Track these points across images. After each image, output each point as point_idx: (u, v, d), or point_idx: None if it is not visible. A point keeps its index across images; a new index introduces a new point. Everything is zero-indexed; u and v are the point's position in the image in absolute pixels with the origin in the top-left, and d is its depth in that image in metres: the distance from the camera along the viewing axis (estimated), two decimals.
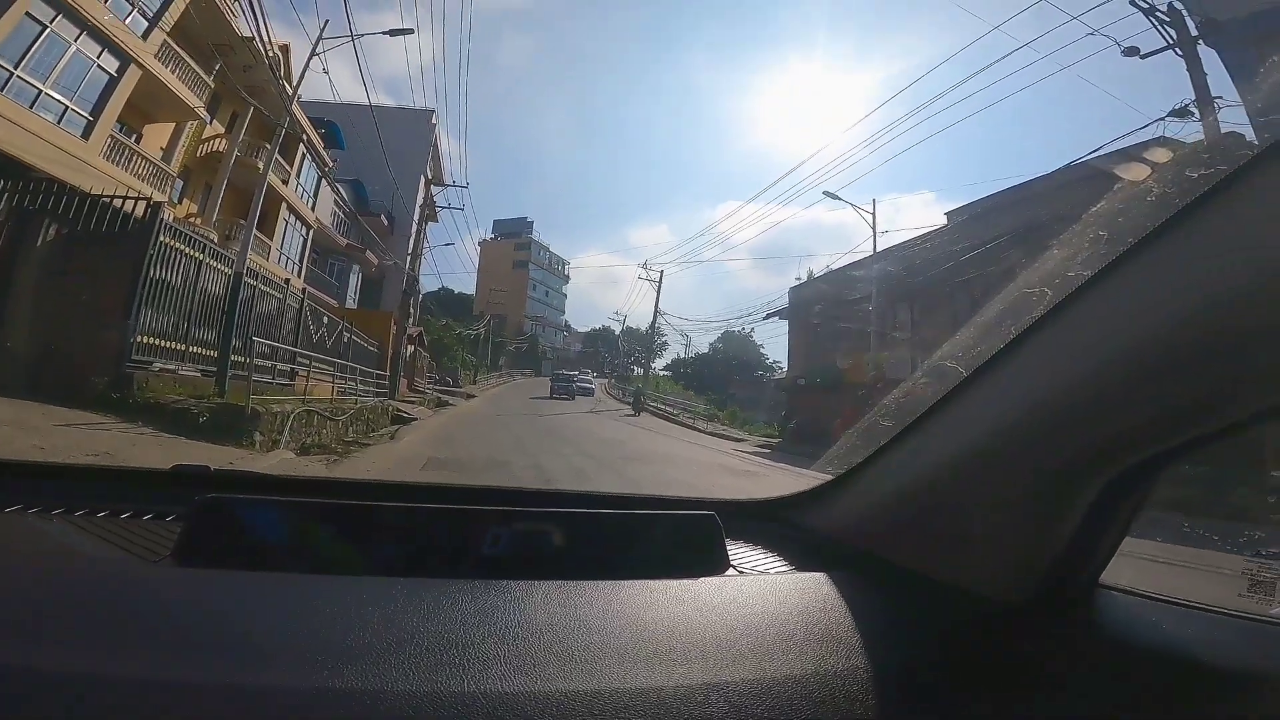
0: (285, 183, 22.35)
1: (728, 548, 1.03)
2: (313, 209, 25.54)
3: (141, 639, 0.67)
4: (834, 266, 27.37)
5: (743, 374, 52.01)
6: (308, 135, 21.02)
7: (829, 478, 1.18)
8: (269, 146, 14.86)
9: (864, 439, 1.15)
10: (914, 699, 0.74)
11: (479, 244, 64.55)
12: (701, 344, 68.90)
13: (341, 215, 29.92)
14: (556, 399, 33.09)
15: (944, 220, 21.70)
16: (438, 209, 29.85)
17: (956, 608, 0.86)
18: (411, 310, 25.98)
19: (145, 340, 8.32)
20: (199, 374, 9.42)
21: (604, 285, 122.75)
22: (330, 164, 25.69)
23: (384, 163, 21.58)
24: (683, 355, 62.73)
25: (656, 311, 43.08)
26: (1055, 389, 0.75)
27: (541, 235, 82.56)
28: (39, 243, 7.95)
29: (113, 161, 14.24)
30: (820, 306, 25.79)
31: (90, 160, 13.07)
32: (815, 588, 0.93)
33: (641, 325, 55.34)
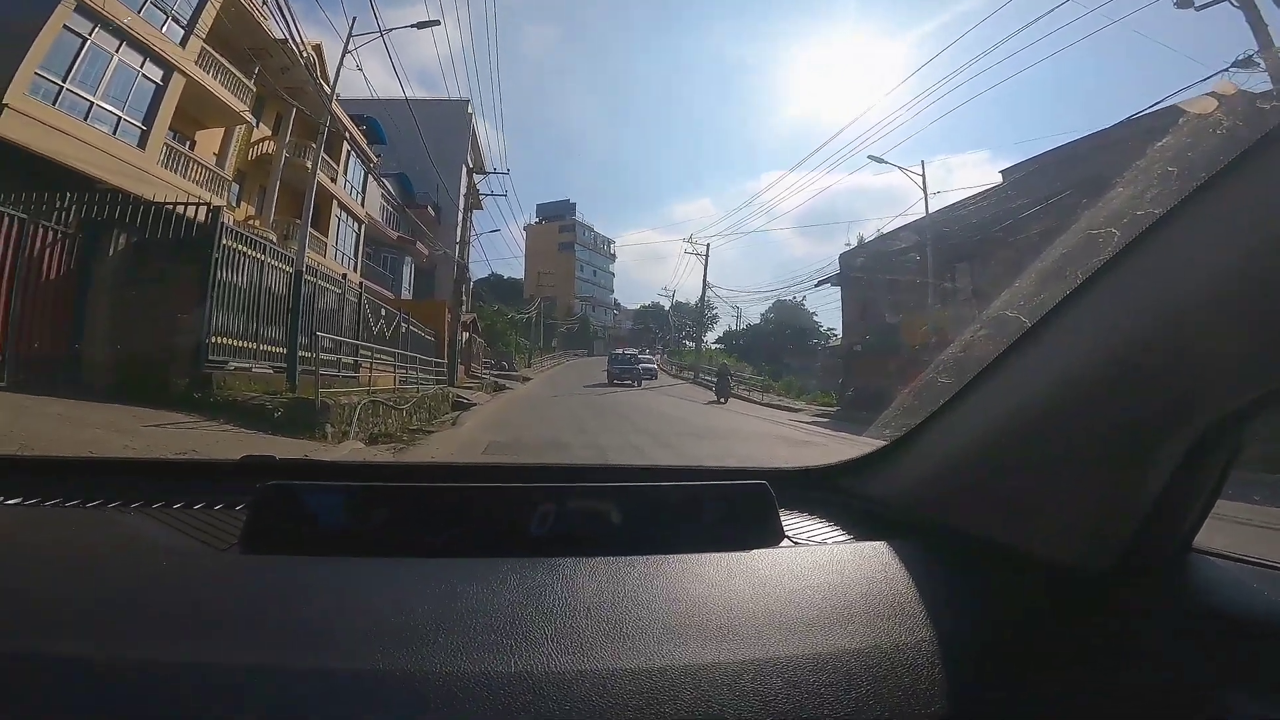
0: (334, 180, 22.96)
1: (782, 518, 1.01)
2: (362, 204, 26.19)
3: (206, 624, 0.70)
4: (885, 230, 26.57)
5: (796, 343, 51.19)
6: (350, 132, 21.49)
7: (885, 443, 1.15)
8: (314, 145, 15.29)
9: (921, 399, 1.11)
10: (986, 672, 0.71)
11: (524, 228, 65.14)
12: (752, 315, 67.94)
13: (390, 209, 30.58)
14: (617, 386, 28.37)
15: (999, 179, 20.84)
16: (481, 196, 30.19)
17: (1030, 576, 0.82)
18: (464, 297, 26.45)
19: (218, 340, 8.70)
20: (270, 370, 9.82)
21: (650, 262, 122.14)
22: (374, 159, 26.30)
23: (426, 154, 21.95)
24: (734, 327, 62.18)
25: (705, 284, 42.77)
26: (1131, 334, 0.69)
27: (585, 216, 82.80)
28: (111, 252, 8.37)
29: (170, 169, 14.89)
30: (873, 271, 25.15)
31: (149, 169, 13.67)
32: (875, 557, 0.90)
33: (690, 299, 55.16)
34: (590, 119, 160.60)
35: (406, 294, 31.13)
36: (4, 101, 10.30)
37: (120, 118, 13.56)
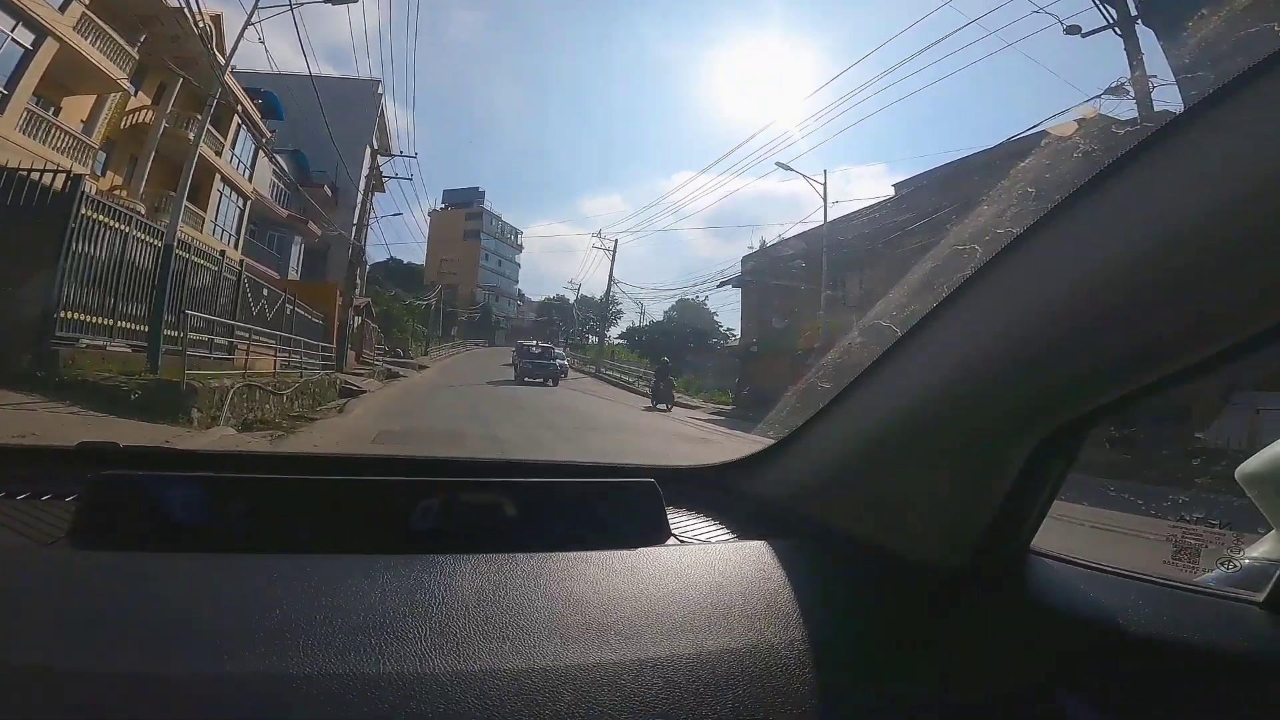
0: (219, 154, 21.54)
1: (669, 516, 1.01)
2: (250, 180, 24.59)
3: (23, 624, 0.62)
4: (786, 236, 27.65)
5: (697, 341, 52.14)
6: (242, 106, 20.14)
7: (771, 443, 1.17)
8: (199, 117, 14.24)
9: (804, 402, 1.14)
10: (847, 669, 0.74)
11: (428, 214, 62.93)
12: (656, 312, 68.58)
13: (281, 186, 28.81)
14: (528, 382, 24.03)
15: (892, 192, 22.20)
16: (385, 179, 28.95)
17: (893, 575, 0.86)
18: (358, 281, 25.26)
19: (69, 315, 7.92)
20: (129, 349, 9.03)
21: (558, 254, 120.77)
22: (269, 135, 24.76)
23: (327, 133, 20.83)
24: (638, 323, 62.58)
25: (611, 280, 43.15)
26: (982, 348, 0.74)
27: (493, 205, 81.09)
28: None
29: (29, 135, 13.64)
30: (771, 275, 26.11)
31: (5, 134, 12.44)
32: (755, 556, 0.92)
33: (596, 294, 55.31)
34: (507, 107, 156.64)
35: (294, 275, 29.40)
36: None
37: None
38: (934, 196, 15.37)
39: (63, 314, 7.77)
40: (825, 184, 22.93)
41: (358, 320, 25.41)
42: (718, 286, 31.66)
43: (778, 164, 23.79)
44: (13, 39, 12.95)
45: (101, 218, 8.46)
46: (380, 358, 29.33)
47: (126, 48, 16.26)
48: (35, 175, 8.11)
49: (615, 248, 42.21)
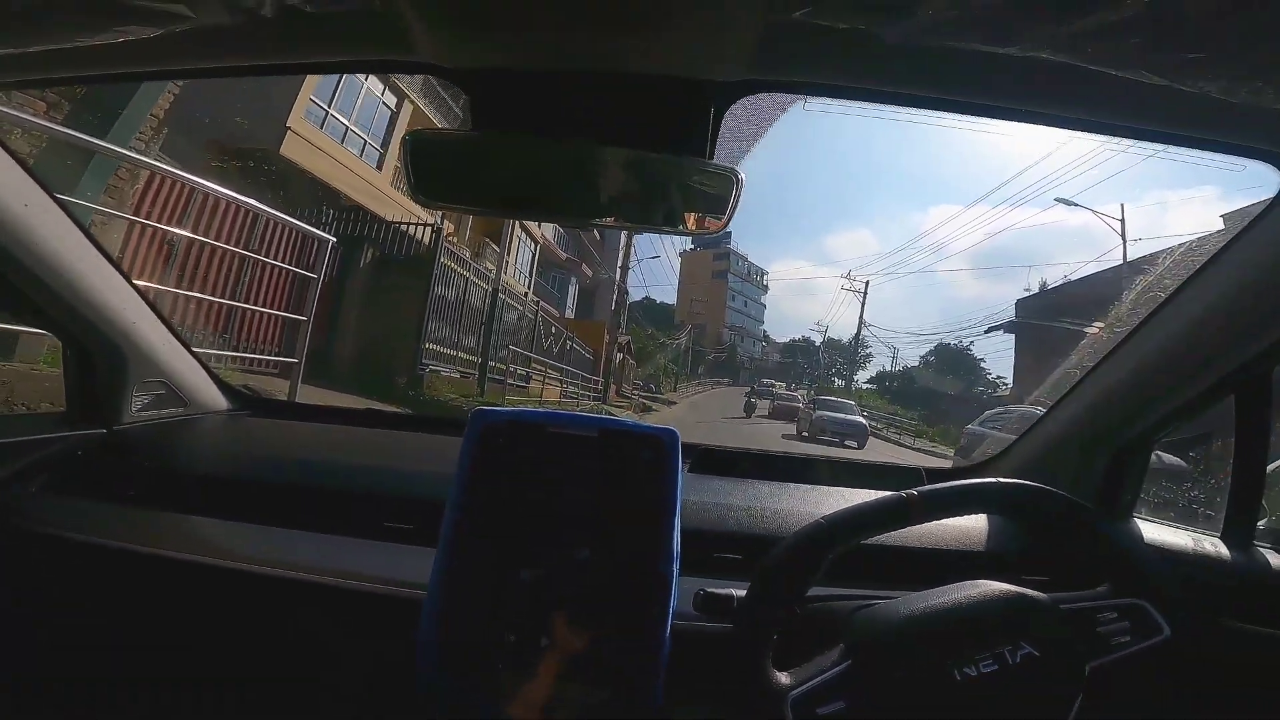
0: None
1: None
2: (539, 226, 28.07)
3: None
4: (1073, 277, 24.58)
5: (961, 390, 47.99)
6: None
7: None
8: None
9: None
10: None
11: (680, 254, 66.49)
12: (911, 357, 64.21)
13: (562, 231, 32.53)
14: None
15: (1220, 224, 18.72)
16: None
17: None
18: (620, 320, 27.58)
19: (430, 347, 9.94)
20: (459, 375, 10.97)
21: (801, 296, 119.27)
22: None
23: None
24: (889, 368, 59.32)
25: (861, 321, 41.79)
26: None
27: (739, 246, 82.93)
28: (361, 264, 9.85)
29: (396, 188, 16.46)
30: (1054, 321, 23.37)
31: (383, 189, 15.04)
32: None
33: (842, 337, 53.79)
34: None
35: (570, 312, 32.77)
36: (288, 125, 11.62)
37: (365, 141, 14.99)
38: None
39: (426, 345, 9.78)
40: (1123, 220, 20.10)
41: (619, 357, 27.63)
42: (986, 332, 29.18)
43: (1058, 200, 21.42)
44: (383, 103, 15.53)
45: (453, 265, 10.54)
46: (635, 392, 31.42)
47: (453, 105, 18.18)
48: (408, 228, 10.40)
49: (865, 289, 40.97)
